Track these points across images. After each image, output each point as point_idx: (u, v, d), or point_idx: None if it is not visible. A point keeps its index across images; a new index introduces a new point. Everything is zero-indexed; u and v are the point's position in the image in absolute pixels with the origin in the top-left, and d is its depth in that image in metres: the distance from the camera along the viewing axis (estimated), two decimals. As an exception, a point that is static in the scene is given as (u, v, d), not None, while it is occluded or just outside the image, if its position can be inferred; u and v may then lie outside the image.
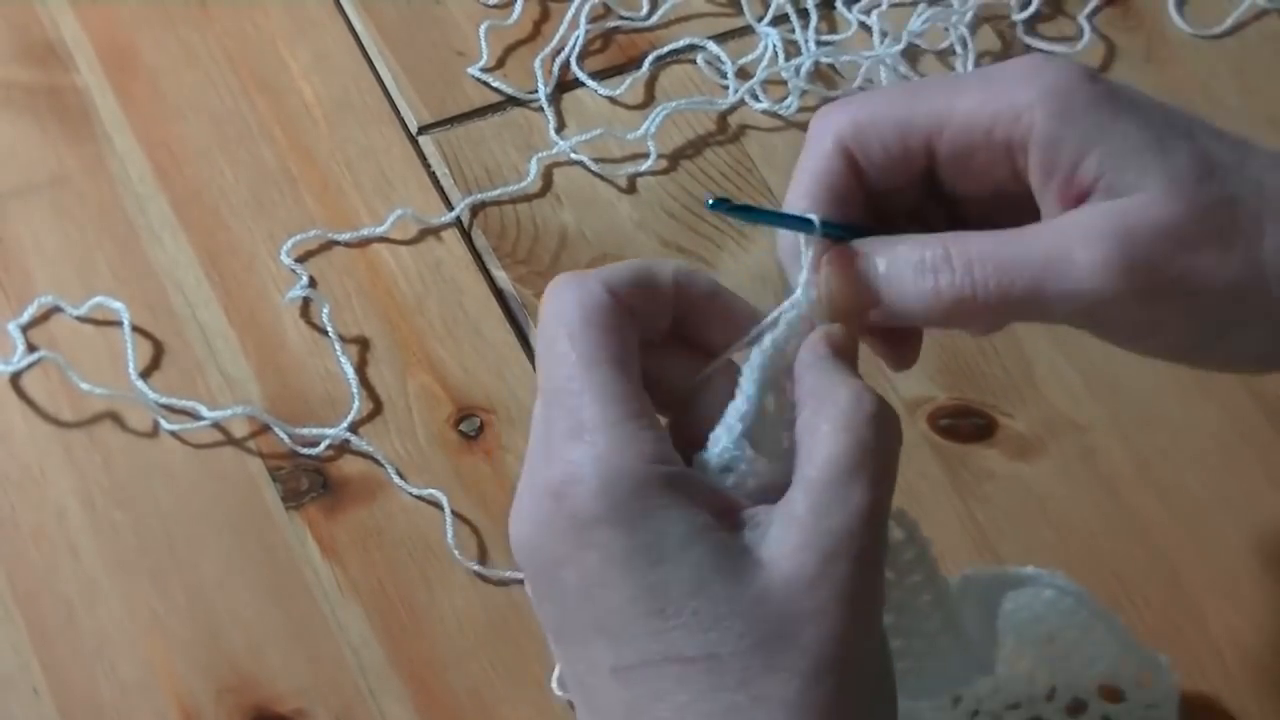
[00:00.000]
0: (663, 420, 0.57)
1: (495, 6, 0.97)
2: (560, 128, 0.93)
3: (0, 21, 0.94)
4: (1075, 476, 0.84)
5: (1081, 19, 0.99)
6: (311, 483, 0.82)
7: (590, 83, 0.94)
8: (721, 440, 0.56)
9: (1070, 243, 0.56)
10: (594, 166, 0.91)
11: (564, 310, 0.55)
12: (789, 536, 0.53)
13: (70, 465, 0.81)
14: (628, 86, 0.94)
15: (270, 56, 0.94)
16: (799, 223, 0.58)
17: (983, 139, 0.58)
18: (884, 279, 0.58)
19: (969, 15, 0.97)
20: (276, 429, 0.82)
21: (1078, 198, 0.57)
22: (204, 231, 0.88)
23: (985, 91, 0.58)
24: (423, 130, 0.92)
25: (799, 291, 0.59)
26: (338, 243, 0.88)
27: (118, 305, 0.85)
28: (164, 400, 0.83)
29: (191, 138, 0.91)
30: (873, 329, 0.60)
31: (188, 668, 0.77)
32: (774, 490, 0.55)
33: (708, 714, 0.52)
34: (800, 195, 0.59)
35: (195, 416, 0.82)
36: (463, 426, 0.83)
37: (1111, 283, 0.56)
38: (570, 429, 0.54)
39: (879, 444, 0.54)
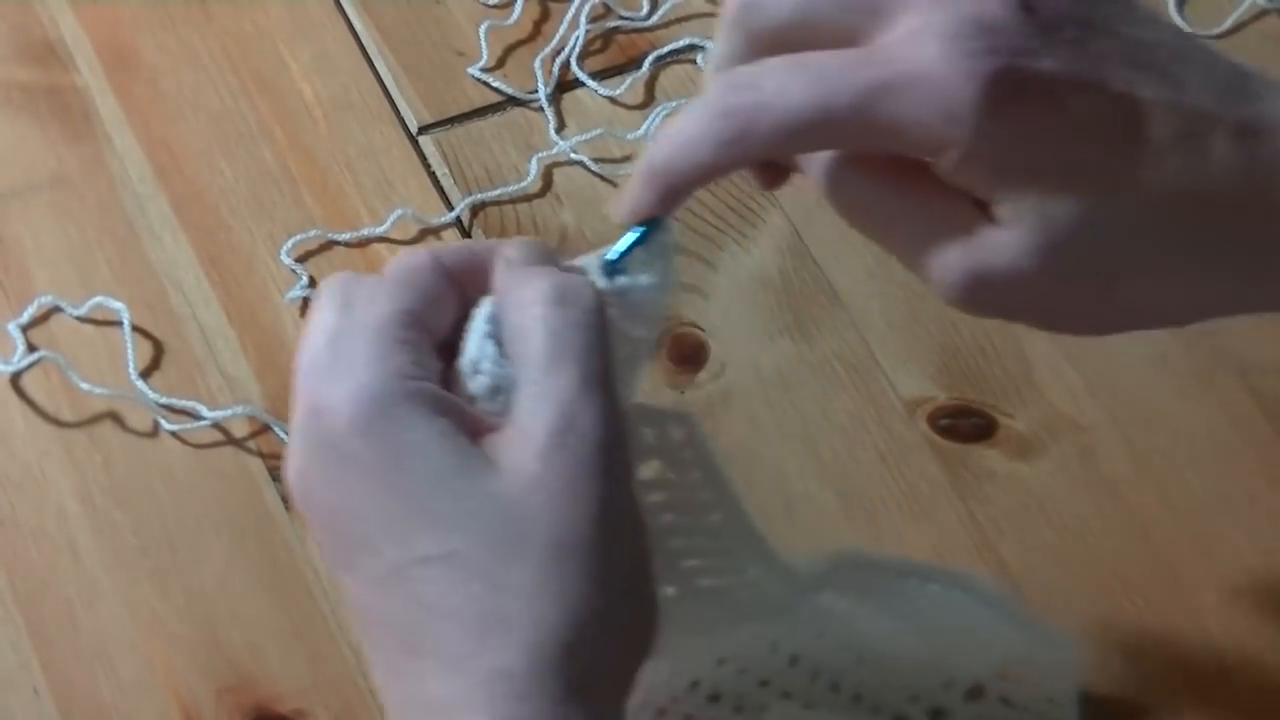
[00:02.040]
0: None
1: (495, 6, 0.97)
2: (560, 128, 0.93)
3: (0, 22, 0.94)
4: (1075, 476, 0.84)
5: (1081, 19, 0.98)
6: (311, 483, 0.81)
7: (590, 83, 0.94)
8: (470, 342, 0.57)
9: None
10: (594, 166, 0.91)
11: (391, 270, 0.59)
12: (514, 439, 0.55)
13: (70, 465, 0.81)
14: (628, 86, 0.94)
15: (270, 56, 0.94)
16: (652, 225, 0.62)
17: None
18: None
19: (969, 15, 0.97)
20: (276, 429, 0.82)
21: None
22: (204, 231, 0.88)
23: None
24: (423, 130, 0.92)
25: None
26: (338, 243, 0.88)
27: (118, 305, 0.85)
28: (164, 400, 0.83)
29: (191, 138, 0.91)
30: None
31: (188, 668, 0.77)
32: None
33: (454, 609, 0.54)
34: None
35: (195, 416, 0.82)
36: (463, 426, 0.83)
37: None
38: (334, 356, 0.57)
39: (567, 322, 0.56)
